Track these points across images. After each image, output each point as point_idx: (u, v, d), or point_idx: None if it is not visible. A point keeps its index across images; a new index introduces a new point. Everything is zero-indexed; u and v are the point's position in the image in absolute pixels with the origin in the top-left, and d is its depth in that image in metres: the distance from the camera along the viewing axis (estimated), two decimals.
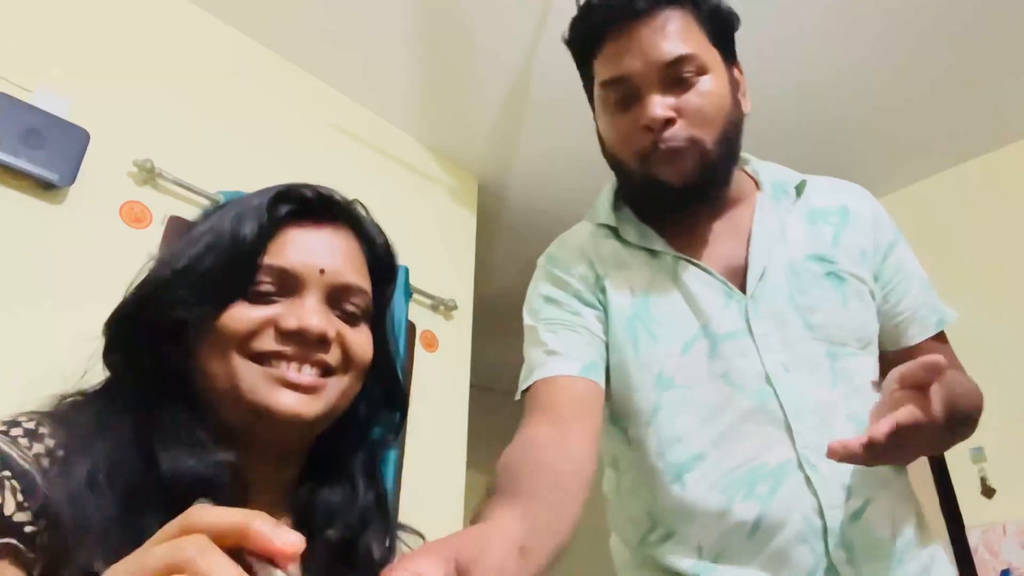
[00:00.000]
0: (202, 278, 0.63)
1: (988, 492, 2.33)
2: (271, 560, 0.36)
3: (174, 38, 2.05)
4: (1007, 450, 2.32)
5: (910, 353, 0.94)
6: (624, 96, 0.93)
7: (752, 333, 0.92)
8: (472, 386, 2.50)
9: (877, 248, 0.99)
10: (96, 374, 0.66)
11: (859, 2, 2.12)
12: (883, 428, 0.68)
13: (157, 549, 0.35)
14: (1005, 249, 2.53)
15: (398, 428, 0.76)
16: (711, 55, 0.94)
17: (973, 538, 2.30)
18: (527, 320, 1.03)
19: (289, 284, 0.65)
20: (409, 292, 2.23)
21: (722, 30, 0.97)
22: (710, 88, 0.92)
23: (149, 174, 1.83)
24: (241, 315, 0.63)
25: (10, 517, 0.51)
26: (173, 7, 2.08)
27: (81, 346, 0.65)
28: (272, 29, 2.22)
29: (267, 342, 0.63)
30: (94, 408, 0.62)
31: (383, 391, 0.75)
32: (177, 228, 1.81)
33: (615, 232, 1.03)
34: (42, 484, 0.53)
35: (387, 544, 0.72)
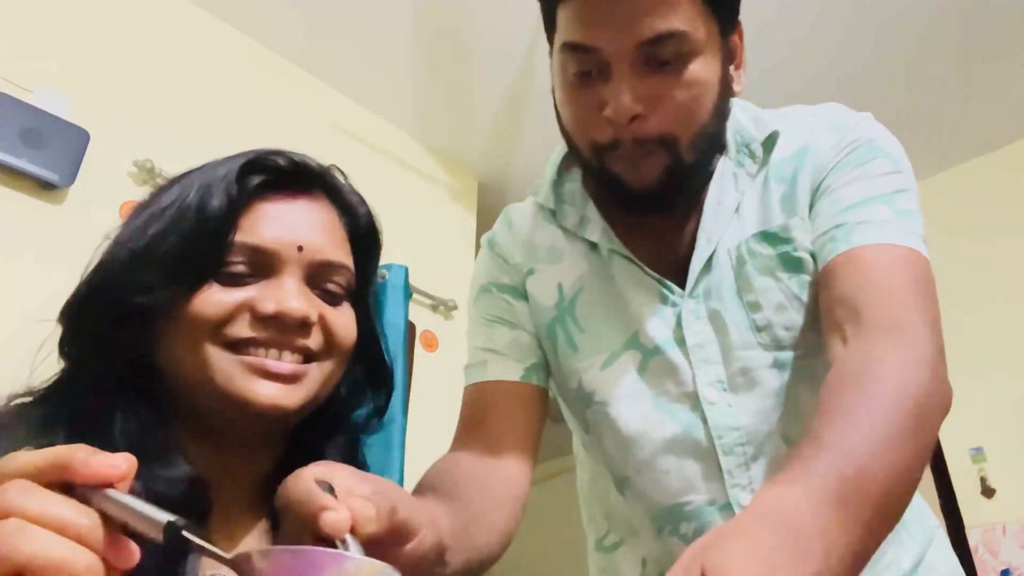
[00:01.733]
0: (167, 259, 0.57)
1: (988, 492, 2.33)
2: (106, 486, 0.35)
3: (174, 38, 2.05)
4: (1007, 450, 2.32)
5: (824, 275, 0.72)
6: (587, 67, 0.72)
7: (685, 344, 0.77)
8: None
9: (823, 172, 0.77)
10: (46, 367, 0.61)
11: (859, 3, 2.12)
12: None
13: None
14: (1005, 249, 2.53)
15: (383, 410, 0.71)
16: (706, 28, 0.71)
17: (973, 538, 2.30)
18: (468, 306, 0.91)
19: (264, 263, 0.59)
20: (409, 292, 2.23)
21: None
22: (696, 77, 0.71)
23: (149, 174, 1.83)
24: (212, 299, 0.57)
25: None
26: (173, 7, 2.08)
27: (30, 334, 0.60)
28: (272, 29, 2.22)
29: (242, 328, 0.58)
30: (40, 411, 0.57)
31: (366, 372, 0.69)
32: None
33: (552, 214, 0.87)
34: None
35: None
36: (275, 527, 0.63)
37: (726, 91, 0.75)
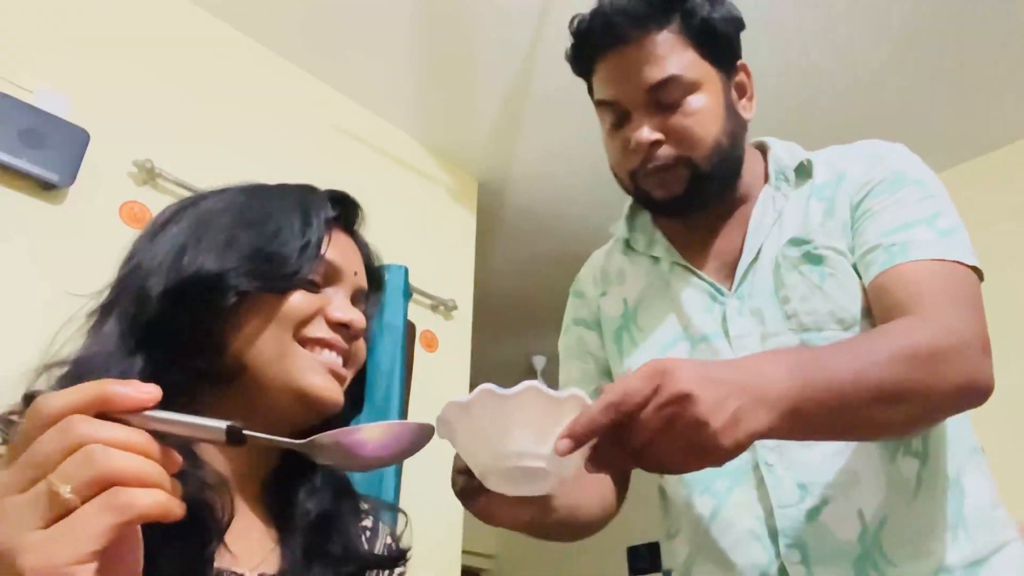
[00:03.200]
0: (270, 261, 0.64)
1: None
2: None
3: (174, 38, 2.05)
4: (1007, 450, 2.32)
5: (876, 290, 0.85)
6: (616, 117, 0.95)
7: (728, 335, 0.93)
8: (472, 386, 2.49)
9: (861, 193, 0.91)
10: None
11: (859, 3, 2.12)
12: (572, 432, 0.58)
13: (42, 443, 0.37)
14: (1004, 249, 2.53)
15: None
16: (702, 71, 0.92)
17: None
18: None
19: (331, 278, 0.70)
20: (409, 292, 2.23)
21: (716, 41, 0.94)
22: (698, 107, 0.91)
23: (149, 174, 1.83)
24: (302, 301, 0.65)
25: None
26: (173, 7, 2.08)
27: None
28: (272, 29, 2.22)
29: (319, 329, 0.66)
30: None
31: (352, 396, 0.74)
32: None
33: (628, 243, 1.08)
34: None
35: (360, 520, 0.73)
36: (276, 525, 0.67)
37: (733, 116, 0.95)
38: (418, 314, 2.37)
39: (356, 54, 2.30)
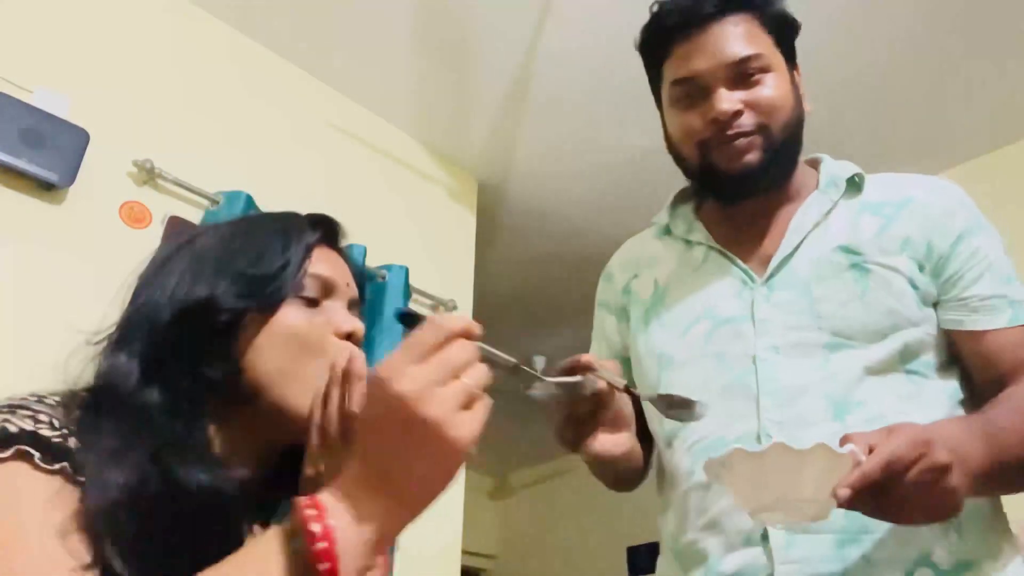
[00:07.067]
0: (255, 281, 0.70)
1: None
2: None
3: (174, 38, 2.05)
4: None
5: (976, 338, 0.94)
6: (691, 93, 0.99)
7: (754, 319, 0.97)
8: None
9: (944, 236, 0.97)
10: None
11: (859, 4, 2.12)
12: (851, 481, 0.71)
13: (454, 353, 0.52)
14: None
15: None
16: (775, 57, 1.00)
17: None
18: None
19: (328, 292, 0.75)
20: (409, 292, 2.23)
21: (785, 34, 1.03)
22: (775, 82, 0.98)
23: (149, 174, 1.83)
24: (294, 314, 0.71)
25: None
26: (173, 7, 2.08)
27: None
28: (272, 29, 2.21)
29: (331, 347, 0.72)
30: (115, 419, 0.63)
31: None
32: (176, 228, 1.81)
33: (667, 228, 1.13)
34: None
35: None
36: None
37: (798, 104, 1.02)
38: None
39: (356, 54, 2.30)
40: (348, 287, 0.77)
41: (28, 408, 0.57)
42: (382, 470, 0.51)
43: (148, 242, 1.75)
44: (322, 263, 0.75)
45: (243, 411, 0.69)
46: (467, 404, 0.52)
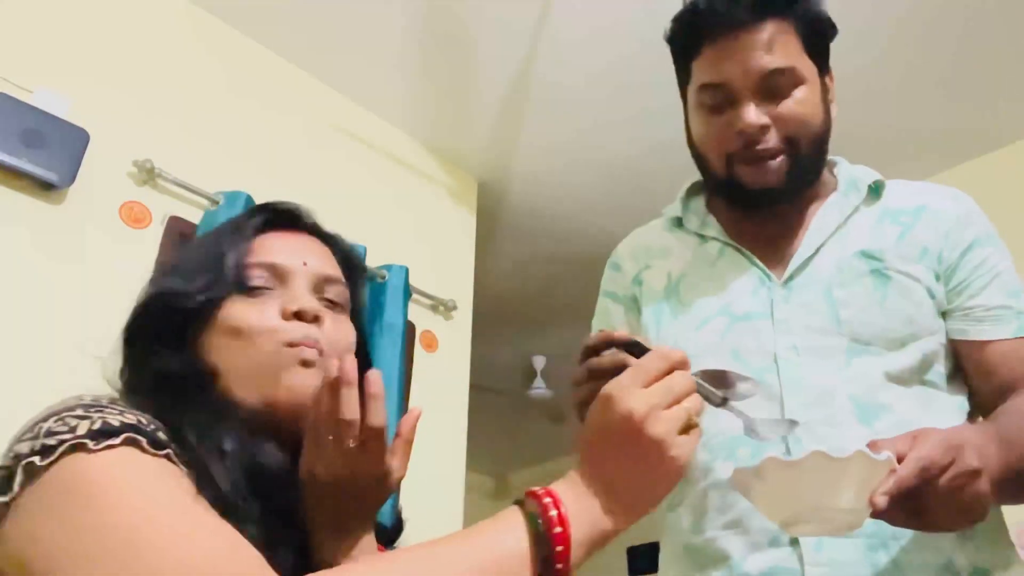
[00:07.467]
0: (206, 277, 0.71)
1: None
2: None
3: (174, 38, 2.05)
4: None
5: (981, 348, 0.94)
6: (720, 100, 0.97)
7: (773, 317, 0.96)
8: (472, 386, 2.50)
9: (954, 245, 0.98)
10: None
11: (858, 4, 2.12)
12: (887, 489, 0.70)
13: (677, 382, 0.58)
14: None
15: None
16: (807, 67, 0.98)
17: None
18: None
19: (281, 278, 0.73)
20: (409, 292, 2.23)
21: (819, 40, 1.01)
22: (804, 97, 0.96)
23: (149, 174, 1.83)
24: (237, 306, 0.70)
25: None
26: (173, 7, 2.08)
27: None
28: (272, 29, 2.21)
29: (289, 332, 0.71)
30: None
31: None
32: (176, 228, 1.81)
33: (679, 221, 1.11)
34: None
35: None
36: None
37: (827, 114, 1.01)
38: (418, 314, 2.36)
39: (356, 54, 2.30)
40: (306, 266, 0.74)
41: (111, 408, 0.58)
42: (606, 478, 0.57)
43: (148, 242, 1.76)
44: (270, 250, 0.74)
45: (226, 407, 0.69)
46: (685, 429, 0.57)
